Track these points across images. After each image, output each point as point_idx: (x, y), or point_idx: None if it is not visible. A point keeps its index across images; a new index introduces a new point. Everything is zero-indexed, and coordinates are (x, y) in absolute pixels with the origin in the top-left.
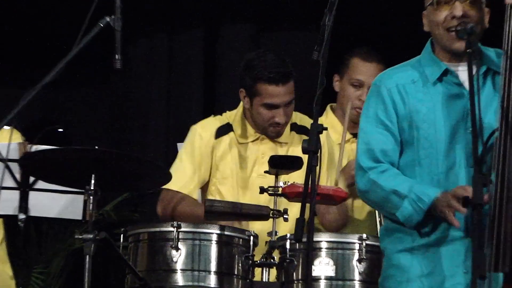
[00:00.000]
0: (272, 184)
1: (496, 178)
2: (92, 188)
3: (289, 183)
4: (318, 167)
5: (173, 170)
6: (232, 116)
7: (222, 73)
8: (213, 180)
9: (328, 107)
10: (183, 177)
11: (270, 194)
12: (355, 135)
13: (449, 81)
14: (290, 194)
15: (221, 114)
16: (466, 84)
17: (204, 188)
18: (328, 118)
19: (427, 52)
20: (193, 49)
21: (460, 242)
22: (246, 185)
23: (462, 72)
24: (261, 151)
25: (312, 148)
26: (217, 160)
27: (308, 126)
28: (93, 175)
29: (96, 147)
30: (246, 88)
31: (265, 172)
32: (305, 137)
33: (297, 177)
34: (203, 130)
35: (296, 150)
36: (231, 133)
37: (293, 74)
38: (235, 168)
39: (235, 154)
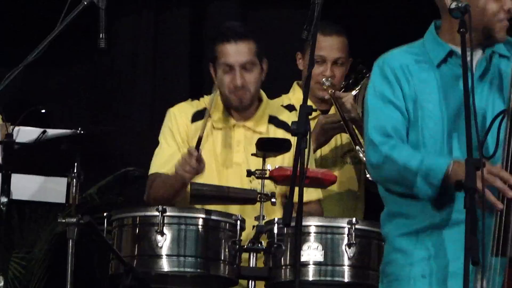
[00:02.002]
0: (244, 172)
1: (502, 163)
2: (75, 171)
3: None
4: (307, 150)
5: (154, 155)
6: (211, 99)
7: (208, 51)
8: None
9: (294, 84)
10: (162, 159)
11: (257, 177)
12: (323, 111)
13: (454, 63)
14: (278, 177)
15: (198, 99)
16: (472, 66)
17: None
18: (295, 94)
19: (432, 35)
20: (179, 27)
21: (464, 225)
22: (223, 172)
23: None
24: (237, 138)
25: (301, 130)
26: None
27: (287, 121)
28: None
29: (79, 128)
30: (211, 59)
31: (252, 154)
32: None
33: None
34: (179, 113)
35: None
36: (209, 122)
37: (250, 37)
38: (211, 155)
39: (211, 140)
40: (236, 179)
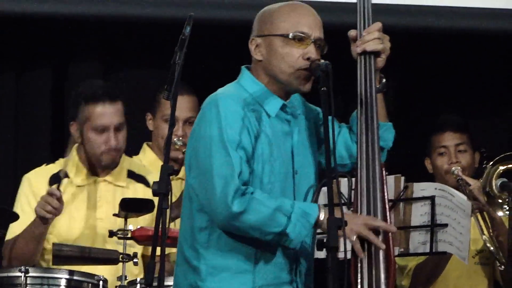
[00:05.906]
0: (112, 227)
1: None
2: None
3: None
4: (168, 210)
5: (10, 224)
6: (66, 161)
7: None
8: (51, 228)
9: (144, 145)
10: (18, 226)
11: (119, 238)
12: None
13: (282, 118)
14: (139, 237)
15: (53, 162)
16: (291, 123)
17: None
18: (146, 155)
19: (253, 82)
20: (41, 88)
21: (288, 286)
22: (89, 228)
23: (289, 109)
24: (98, 194)
25: (163, 190)
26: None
27: (145, 175)
28: None
29: None
30: (75, 118)
31: (114, 215)
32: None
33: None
34: (35, 178)
35: (136, 194)
36: (66, 179)
37: (120, 97)
38: (77, 212)
39: (72, 200)
40: (100, 235)
